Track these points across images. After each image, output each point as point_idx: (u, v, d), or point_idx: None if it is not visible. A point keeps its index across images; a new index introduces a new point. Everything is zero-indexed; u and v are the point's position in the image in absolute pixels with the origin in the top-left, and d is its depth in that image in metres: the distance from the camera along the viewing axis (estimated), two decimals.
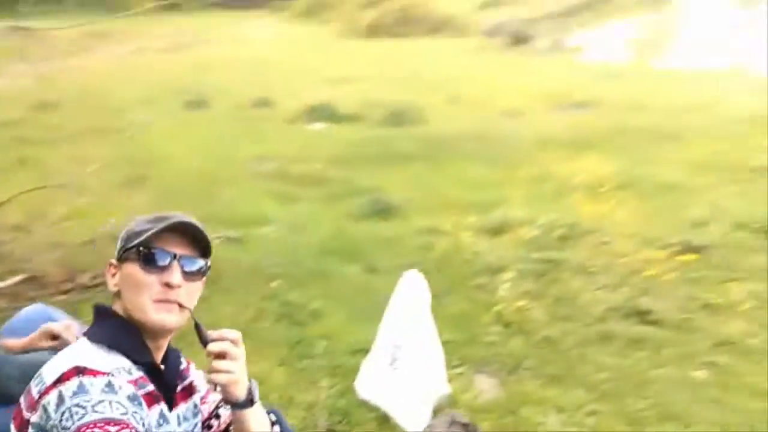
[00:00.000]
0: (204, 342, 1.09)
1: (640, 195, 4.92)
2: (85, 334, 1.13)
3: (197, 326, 1.10)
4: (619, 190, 5.05)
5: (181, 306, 1.11)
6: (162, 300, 1.10)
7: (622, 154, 6.09)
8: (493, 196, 5.17)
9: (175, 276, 1.10)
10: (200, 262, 1.14)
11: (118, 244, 1.16)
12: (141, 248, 1.11)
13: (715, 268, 3.91)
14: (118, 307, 1.14)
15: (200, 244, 1.15)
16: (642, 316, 3.42)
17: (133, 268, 1.11)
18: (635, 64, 11.75)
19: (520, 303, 3.51)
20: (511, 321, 3.38)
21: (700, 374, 2.97)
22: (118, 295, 1.14)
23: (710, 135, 6.64)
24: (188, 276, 1.12)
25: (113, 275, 1.15)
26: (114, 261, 1.16)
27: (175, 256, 1.11)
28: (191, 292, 1.13)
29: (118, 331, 1.11)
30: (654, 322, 3.39)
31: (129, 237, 1.14)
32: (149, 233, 1.11)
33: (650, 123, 7.25)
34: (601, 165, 5.53)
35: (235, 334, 1.10)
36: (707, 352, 3.14)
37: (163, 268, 1.10)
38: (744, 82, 9.51)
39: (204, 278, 1.17)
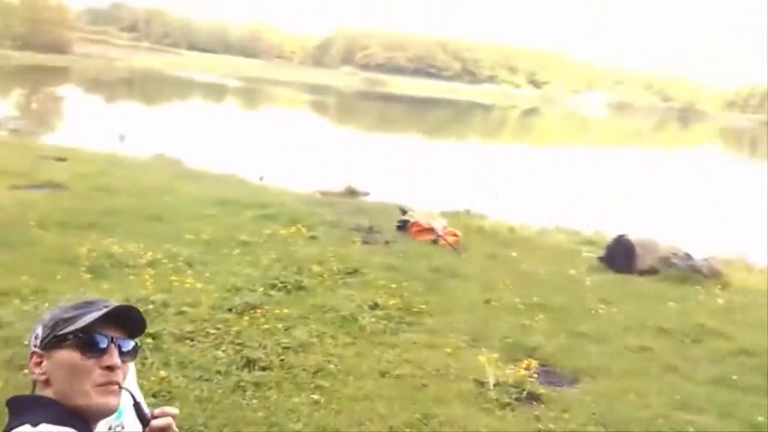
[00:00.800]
0: (144, 419, 1.15)
1: (175, 269, 5.54)
2: (19, 425, 1.04)
3: (137, 405, 1.17)
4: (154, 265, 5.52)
5: (120, 386, 1.13)
6: (104, 383, 1.11)
7: (124, 232, 6.52)
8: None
9: (115, 358, 1.13)
10: (132, 342, 1.18)
11: (41, 332, 1.14)
12: (79, 334, 1.11)
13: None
14: (48, 394, 1.11)
15: (128, 325, 1.18)
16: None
17: (70, 355, 1.11)
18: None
19: None
20: None
21: None
22: (46, 383, 1.12)
23: (184, 215, 7.82)
24: (123, 356, 1.16)
25: (38, 364, 1.13)
26: (37, 350, 1.13)
27: (112, 339, 1.13)
28: (125, 372, 1.17)
29: (63, 415, 1.08)
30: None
31: (57, 324, 1.13)
32: (89, 320, 1.12)
33: (128, 204, 7.92)
34: (119, 243, 5.86)
35: (175, 410, 1.18)
36: None
37: (103, 352, 1.12)
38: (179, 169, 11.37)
39: (135, 358, 1.21)
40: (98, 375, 1.11)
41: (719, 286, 7.66)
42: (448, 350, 4.60)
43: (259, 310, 4.69)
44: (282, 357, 4.08)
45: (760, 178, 31.75)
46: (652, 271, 8.02)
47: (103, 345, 1.12)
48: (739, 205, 20.07)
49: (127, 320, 1.18)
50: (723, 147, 56.07)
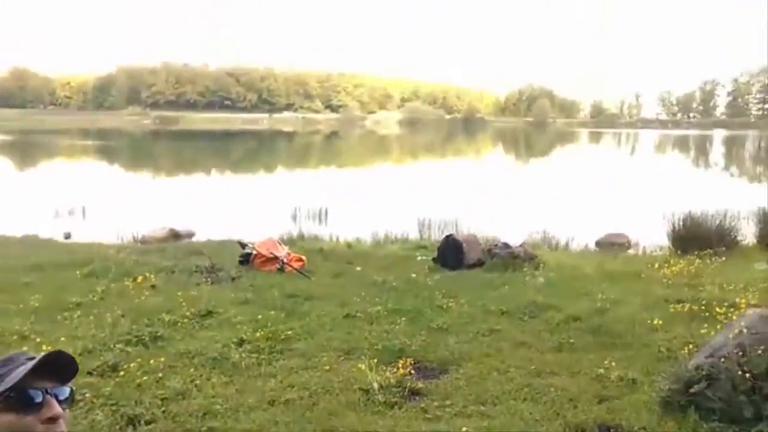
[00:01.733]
0: None
1: (9, 346, 4.94)
2: None
3: None
4: None
5: None
6: None
7: None
8: None
9: (55, 409, 1.11)
10: (67, 389, 1.16)
11: None
12: (11, 394, 1.08)
13: None
14: None
15: (58, 371, 1.16)
16: None
17: (7, 417, 1.08)
18: None
19: None
20: None
21: None
22: None
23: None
24: (61, 404, 1.13)
25: None
26: None
27: (46, 391, 1.11)
28: (67, 420, 1.14)
29: None
30: None
31: None
32: (18, 377, 1.08)
33: None
34: None
35: None
36: None
37: (39, 406, 1.09)
38: None
39: (73, 402, 1.21)
40: (42, 430, 1.09)
41: (535, 267, 8.68)
42: (327, 367, 4.71)
43: (122, 368, 4.40)
44: (163, 408, 3.89)
45: (532, 173, 36.04)
46: (479, 264, 8.82)
47: (39, 399, 1.09)
48: (525, 197, 22.66)
49: (55, 366, 1.15)
50: (502, 150, 62.47)
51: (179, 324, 5.67)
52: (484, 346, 5.38)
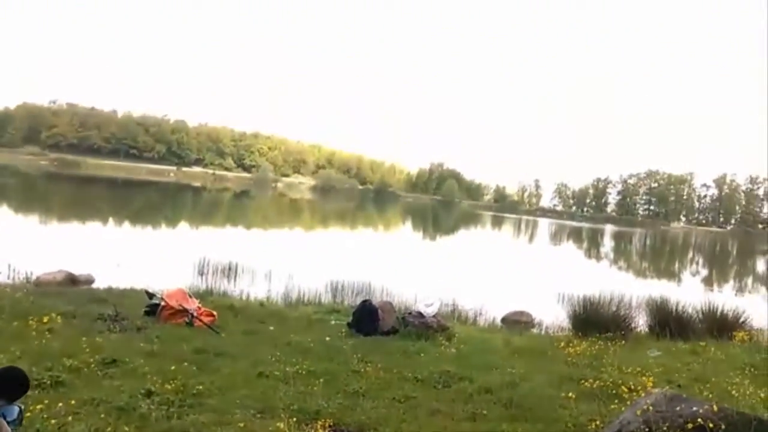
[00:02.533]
0: None
1: None
2: None
3: None
4: None
5: None
6: None
7: None
8: None
9: (5, 429, 1.23)
10: (16, 408, 1.26)
11: None
12: None
13: None
14: None
15: (5, 391, 1.22)
16: None
17: None
18: None
19: None
20: None
21: None
22: None
23: None
24: (11, 425, 1.25)
25: None
26: None
27: None
28: None
29: None
30: None
31: None
32: None
33: None
34: None
35: None
36: None
37: None
38: None
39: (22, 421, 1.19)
40: None
41: (447, 338, 8.84)
42: (242, 424, 4.52)
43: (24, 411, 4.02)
44: None
45: (442, 248, 37.09)
46: (393, 331, 8.87)
47: None
48: (435, 270, 23.18)
49: (5, 384, 1.12)
50: (411, 224, 63.96)
51: (82, 370, 5.30)
52: (401, 412, 5.36)
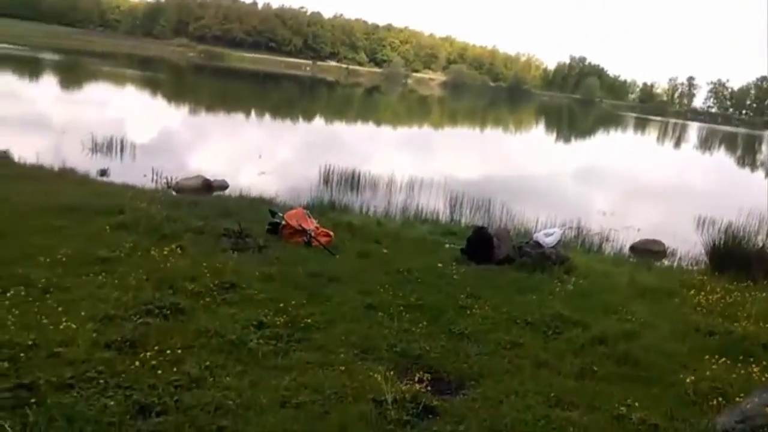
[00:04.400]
0: None
1: (35, 300, 4.99)
2: None
3: None
4: None
5: None
6: None
7: None
8: None
9: None
10: None
11: None
12: None
13: None
14: None
15: None
16: None
17: None
18: None
19: None
20: None
21: None
22: None
23: (29, 228, 7.06)
24: None
25: None
26: None
27: None
28: None
29: None
30: None
31: None
32: None
33: None
34: None
35: None
36: None
37: None
38: None
39: None
40: None
41: (566, 271, 8.47)
42: (342, 368, 4.63)
43: (139, 343, 4.39)
44: (176, 397, 3.85)
45: (573, 159, 35.25)
46: (508, 261, 8.63)
47: None
48: (562, 184, 22.17)
49: None
50: (544, 127, 61.18)
51: (201, 295, 5.64)
52: (505, 361, 5.24)
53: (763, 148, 66.16)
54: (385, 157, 21.94)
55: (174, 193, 11.70)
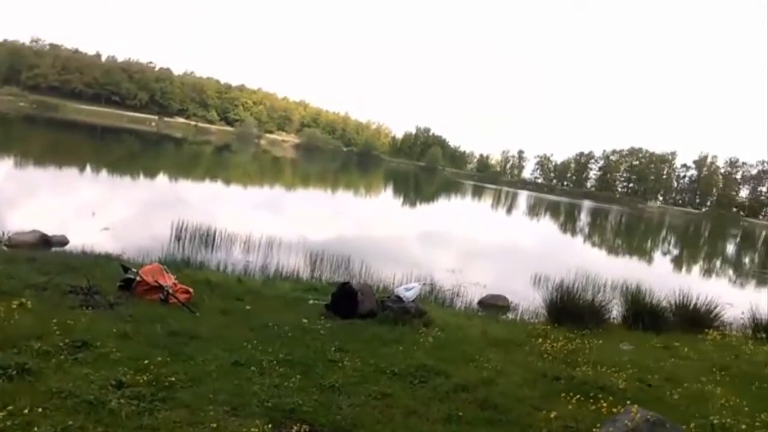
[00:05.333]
0: None
1: None
2: None
3: None
4: None
5: None
6: None
7: None
8: None
9: None
10: None
11: None
12: None
13: None
14: None
15: None
16: None
17: None
18: None
19: None
20: None
21: None
22: None
23: None
24: None
25: None
26: None
27: None
28: None
29: None
30: None
31: None
32: None
33: None
34: None
35: None
36: None
37: None
38: None
39: None
40: None
41: (425, 324, 8.82)
42: (213, 425, 4.43)
43: None
44: None
45: (424, 219, 37.07)
46: (371, 314, 8.81)
47: None
48: (416, 241, 23.16)
49: None
50: (393, 189, 63.82)
51: (50, 355, 5.13)
52: (376, 411, 5.31)
53: (582, 215, 73.90)
54: (239, 215, 21.56)
55: (6, 248, 10.58)
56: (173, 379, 5.14)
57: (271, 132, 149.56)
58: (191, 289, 8.10)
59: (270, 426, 4.47)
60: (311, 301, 9.24)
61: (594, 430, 4.97)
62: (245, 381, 5.47)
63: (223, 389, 5.17)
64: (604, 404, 5.66)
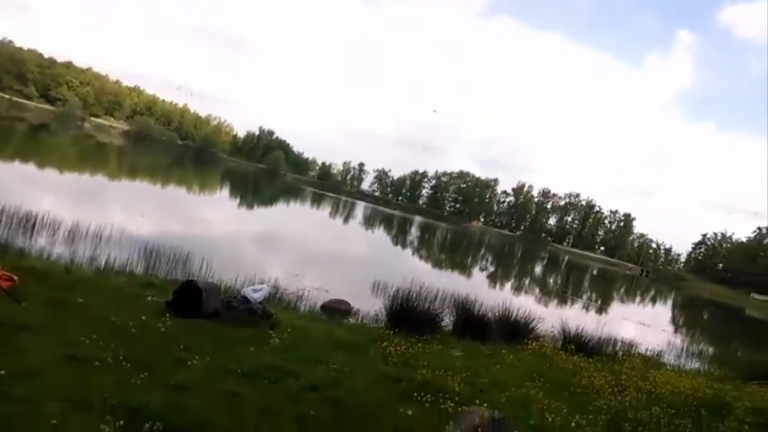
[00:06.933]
0: None
1: None
2: None
3: None
4: None
5: None
6: None
7: None
8: None
9: None
10: None
11: None
12: None
13: None
14: None
15: None
16: None
17: None
18: None
19: None
20: None
21: None
22: None
23: None
24: None
25: None
26: None
27: None
28: None
29: None
30: None
31: None
32: None
33: None
34: None
35: None
36: None
37: None
38: None
39: None
40: None
41: (271, 326, 8.75)
42: (54, 422, 4.06)
43: None
44: None
45: (263, 219, 36.59)
46: (215, 314, 8.55)
47: None
48: (257, 243, 22.79)
49: None
50: (231, 190, 62.14)
51: None
52: (226, 411, 5.19)
53: (413, 229, 77.46)
54: (61, 202, 19.70)
55: None
56: (3, 372, 4.62)
57: (97, 116, 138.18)
58: (15, 277, 7.28)
59: (122, 423, 4.19)
60: (150, 298, 8.73)
61: (447, 427, 5.29)
62: (85, 377, 5.07)
63: (61, 384, 4.75)
64: (451, 404, 6.05)
